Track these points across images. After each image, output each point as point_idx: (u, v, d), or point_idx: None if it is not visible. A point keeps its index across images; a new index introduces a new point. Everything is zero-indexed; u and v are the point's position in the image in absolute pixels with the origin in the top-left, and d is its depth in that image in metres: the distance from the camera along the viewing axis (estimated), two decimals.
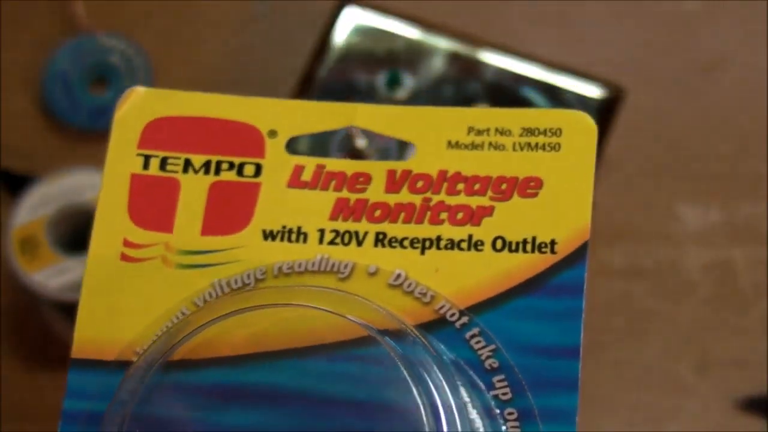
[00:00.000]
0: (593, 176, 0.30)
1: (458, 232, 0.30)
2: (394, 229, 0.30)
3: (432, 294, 0.29)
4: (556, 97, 0.45)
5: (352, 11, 0.47)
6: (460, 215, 0.30)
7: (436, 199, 0.30)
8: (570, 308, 0.29)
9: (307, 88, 0.45)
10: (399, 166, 0.31)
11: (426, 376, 0.28)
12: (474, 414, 0.28)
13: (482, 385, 0.28)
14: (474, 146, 0.31)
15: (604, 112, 0.46)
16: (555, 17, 0.53)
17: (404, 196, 0.30)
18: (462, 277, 0.29)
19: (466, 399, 0.28)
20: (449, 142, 0.31)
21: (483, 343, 0.29)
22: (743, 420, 0.45)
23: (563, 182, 0.30)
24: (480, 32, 0.47)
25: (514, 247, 0.29)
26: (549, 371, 0.29)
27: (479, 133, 0.31)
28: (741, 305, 0.47)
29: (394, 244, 0.30)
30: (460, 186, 0.30)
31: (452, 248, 0.30)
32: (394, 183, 0.31)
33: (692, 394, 0.46)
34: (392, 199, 0.30)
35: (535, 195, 0.30)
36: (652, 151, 0.50)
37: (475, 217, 0.30)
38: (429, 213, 0.30)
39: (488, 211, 0.30)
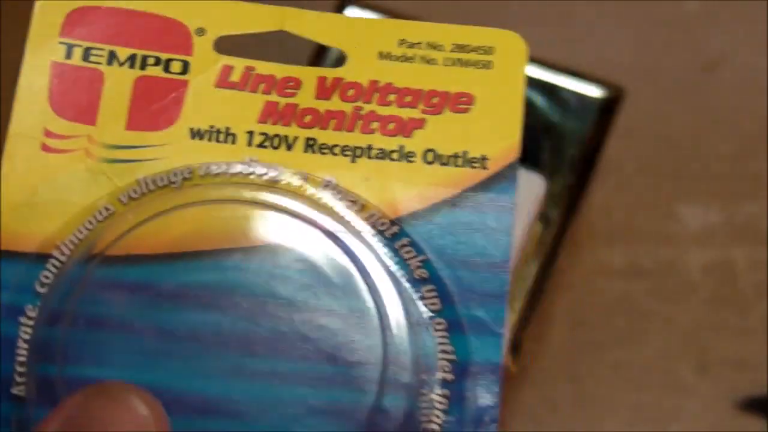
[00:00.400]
0: (523, 95, 0.30)
1: (389, 143, 0.30)
2: (325, 136, 0.30)
3: (362, 202, 0.29)
4: (556, 96, 0.45)
5: (352, 12, 0.47)
6: (391, 126, 0.30)
7: (367, 108, 0.30)
8: (500, 223, 0.29)
9: None
10: (330, 73, 0.31)
11: (373, 279, 0.28)
12: (417, 320, 0.29)
13: (413, 295, 0.29)
14: (406, 58, 0.31)
15: (604, 112, 0.46)
16: (555, 17, 0.53)
17: (335, 103, 0.30)
18: (392, 188, 0.29)
19: (409, 306, 0.29)
20: (380, 53, 0.31)
21: (413, 253, 0.29)
22: (743, 420, 0.45)
23: (494, 99, 0.30)
24: None
25: (445, 160, 0.30)
26: (477, 283, 0.29)
27: (411, 45, 0.31)
28: (741, 306, 0.47)
29: (324, 151, 0.30)
30: (392, 97, 0.30)
31: (383, 158, 0.30)
32: (324, 90, 0.30)
33: (692, 394, 0.46)
34: (323, 106, 0.30)
35: (466, 110, 0.30)
36: (652, 151, 0.50)
37: (406, 128, 0.30)
38: (360, 122, 0.30)
39: (419, 124, 0.30)
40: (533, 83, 0.46)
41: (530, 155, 0.44)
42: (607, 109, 0.46)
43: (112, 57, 0.31)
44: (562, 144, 0.45)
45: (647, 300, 0.47)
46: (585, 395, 0.46)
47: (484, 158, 0.30)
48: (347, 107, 0.30)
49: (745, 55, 0.52)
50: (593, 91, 0.46)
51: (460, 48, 0.31)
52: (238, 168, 0.30)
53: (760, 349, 0.46)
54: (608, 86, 0.46)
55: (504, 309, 0.29)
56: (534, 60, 0.46)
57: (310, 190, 0.30)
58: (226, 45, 0.31)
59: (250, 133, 0.30)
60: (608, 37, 0.52)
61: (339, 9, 0.47)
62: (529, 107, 0.45)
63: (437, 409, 0.28)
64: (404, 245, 0.29)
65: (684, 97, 0.51)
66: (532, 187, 0.42)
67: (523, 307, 0.42)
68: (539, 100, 0.45)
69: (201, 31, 0.31)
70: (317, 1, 0.49)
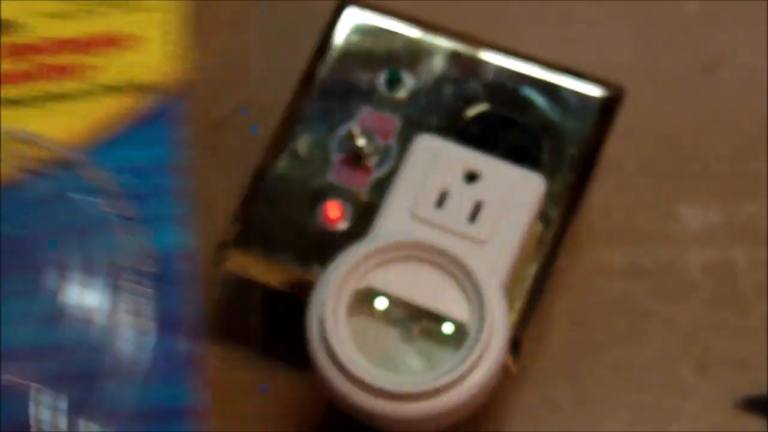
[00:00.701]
0: (182, 28, 0.38)
1: (70, 86, 0.36)
2: (14, 91, 0.36)
3: (52, 141, 0.35)
4: (556, 96, 0.45)
5: (352, 11, 0.47)
6: (69, 72, 0.37)
7: (47, 61, 0.37)
8: (167, 134, 0.36)
9: (307, 87, 0.45)
10: (5, 39, 0.37)
11: (71, 199, 0.35)
12: (114, 226, 0.35)
13: (105, 205, 0.35)
14: (71, 15, 0.37)
15: (604, 112, 0.46)
16: (555, 17, 0.53)
17: (15, 63, 0.37)
18: (77, 123, 0.36)
19: (104, 215, 0.35)
20: (49, 14, 0.37)
21: (101, 173, 0.35)
22: (743, 420, 0.45)
23: (155, 37, 0.37)
24: (480, 32, 0.47)
25: (117, 92, 0.36)
26: (160, 184, 0.36)
27: (74, 1, 0.38)
28: (741, 305, 0.47)
29: (14, 105, 0.36)
30: (68, 48, 0.37)
31: (66, 100, 0.36)
32: (4, 53, 0.37)
33: (692, 394, 0.46)
34: (8, 67, 0.37)
35: (132, 48, 0.37)
36: (652, 151, 0.50)
37: (82, 71, 0.37)
38: (42, 73, 0.36)
39: (92, 65, 0.37)
40: (533, 83, 0.46)
41: (530, 155, 0.44)
42: (607, 109, 0.46)
43: None
44: (562, 144, 0.45)
45: (647, 300, 0.47)
46: (585, 395, 0.46)
47: (153, 85, 0.36)
48: (27, 64, 0.37)
49: (745, 55, 0.52)
50: (593, 91, 0.46)
51: None
52: None
53: (760, 349, 0.46)
54: (608, 86, 0.46)
55: (173, 202, 0.35)
56: (534, 60, 0.46)
57: (5, 139, 0.36)
58: None
59: None
60: (608, 37, 0.52)
61: (339, 9, 0.47)
62: (529, 107, 0.45)
63: (143, 295, 0.34)
64: (92, 167, 0.35)
65: (684, 97, 0.51)
66: (532, 187, 0.42)
67: (523, 307, 0.42)
68: (539, 100, 0.45)
69: None
70: (318, 1, 0.49)
